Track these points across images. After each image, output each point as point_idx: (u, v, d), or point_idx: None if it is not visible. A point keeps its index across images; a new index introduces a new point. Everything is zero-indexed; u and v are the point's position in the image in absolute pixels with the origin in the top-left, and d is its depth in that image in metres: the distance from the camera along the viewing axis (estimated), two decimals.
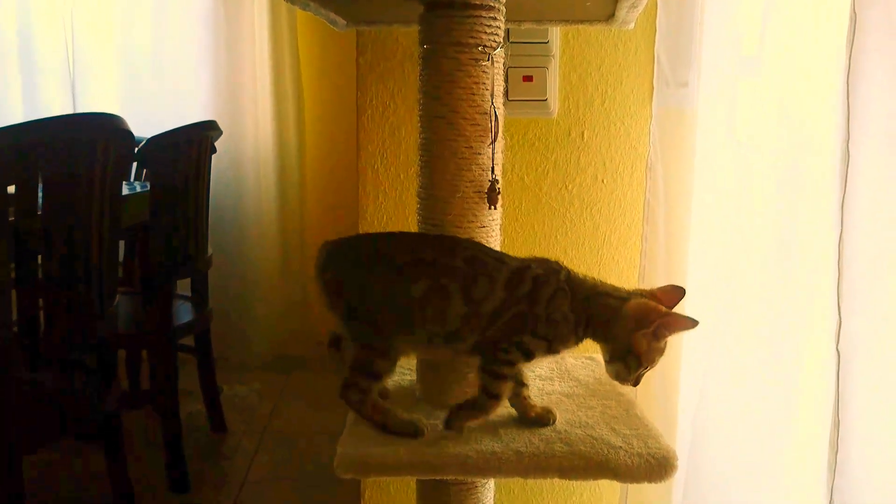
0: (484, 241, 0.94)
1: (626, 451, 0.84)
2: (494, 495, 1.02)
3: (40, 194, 1.49)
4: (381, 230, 1.29)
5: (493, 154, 0.93)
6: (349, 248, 0.92)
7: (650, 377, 1.31)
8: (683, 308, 1.20)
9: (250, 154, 3.18)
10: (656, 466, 0.83)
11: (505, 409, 0.96)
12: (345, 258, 0.91)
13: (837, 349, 1.01)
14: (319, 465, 2.25)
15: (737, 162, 1.18)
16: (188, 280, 2.48)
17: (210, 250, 2.48)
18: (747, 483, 1.12)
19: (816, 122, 1.08)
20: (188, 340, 2.43)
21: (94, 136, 1.54)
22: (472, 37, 0.90)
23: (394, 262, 0.88)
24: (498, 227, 0.97)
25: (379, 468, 0.84)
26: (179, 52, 3.12)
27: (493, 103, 0.92)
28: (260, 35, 3.12)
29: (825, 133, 1.06)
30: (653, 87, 1.28)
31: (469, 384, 0.95)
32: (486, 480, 0.96)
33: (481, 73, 0.90)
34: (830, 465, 1.04)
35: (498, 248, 0.97)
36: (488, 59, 0.90)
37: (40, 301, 1.48)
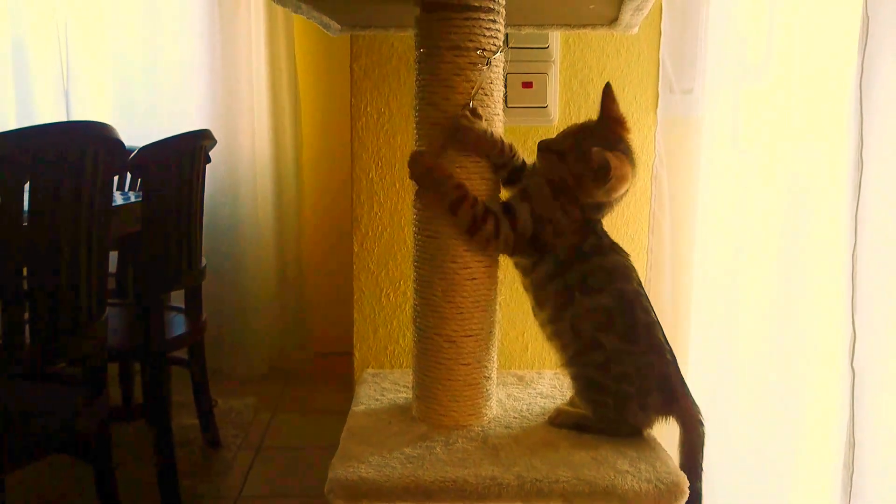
0: (481, 254, 0.90)
1: (634, 476, 0.80)
2: None
3: (26, 204, 1.45)
4: (376, 241, 1.24)
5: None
6: None
7: None
8: (690, 320, 1.17)
9: (246, 164, 3.14)
10: (665, 492, 0.78)
11: (505, 428, 0.92)
12: None
13: (852, 366, 0.98)
14: (316, 480, 2.20)
15: (744, 171, 1.14)
16: (182, 292, 2.43)
17: (204, 261, 2.44)
18: None
19: (826, 129, 1.05)
20: (182, 353, 2.38)
21: (83, 144, 1.50)
22: (470, 40, 0.86)
23: None
24: None
25: (372, 494, 0.79)
26: (175, 61, 3.08)
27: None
28: (256, 44, 3.09)
29: (835, 141, 1.03)
30: (656, 95, 1.24)
31: (467, 405, 0.91)
32: None
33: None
34: (845, 486, 1.00)
35: (496, 261, 0.93)
36: (487, 64, 0.86)
37: (25, 313, 1.44)
